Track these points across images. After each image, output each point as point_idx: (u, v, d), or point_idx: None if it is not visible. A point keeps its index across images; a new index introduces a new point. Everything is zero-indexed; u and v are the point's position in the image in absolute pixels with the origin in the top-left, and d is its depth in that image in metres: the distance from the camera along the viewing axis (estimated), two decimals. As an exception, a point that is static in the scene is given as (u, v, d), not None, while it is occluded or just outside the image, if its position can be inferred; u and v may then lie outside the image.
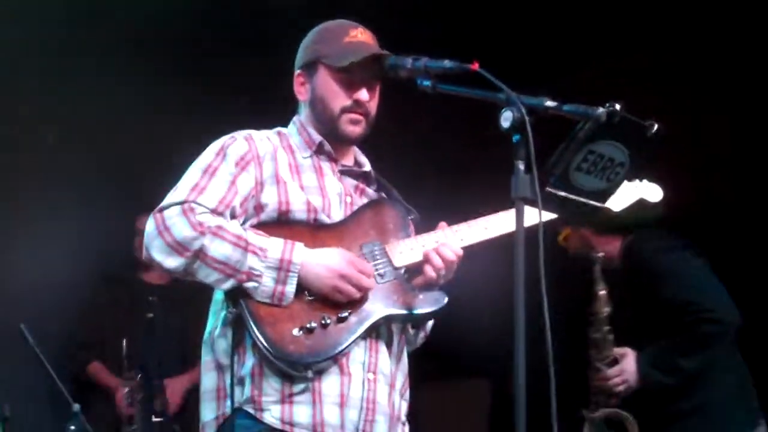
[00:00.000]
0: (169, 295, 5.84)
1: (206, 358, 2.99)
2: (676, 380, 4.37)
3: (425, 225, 3.17)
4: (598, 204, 2.72)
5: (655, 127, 2.64)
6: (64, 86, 5.70)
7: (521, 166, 2.54)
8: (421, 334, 3.18)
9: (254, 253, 2.79)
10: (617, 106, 2.55)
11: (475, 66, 2.69)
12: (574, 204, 2.64)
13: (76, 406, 4.57)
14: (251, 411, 2.85)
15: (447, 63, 2.80)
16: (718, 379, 4.44)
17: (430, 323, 3.18)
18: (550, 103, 2.60)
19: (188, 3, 5.61)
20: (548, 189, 2.61)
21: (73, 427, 4.62)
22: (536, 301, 2.39)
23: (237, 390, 2.87)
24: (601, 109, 2.53)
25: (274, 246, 2.81)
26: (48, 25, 5.36)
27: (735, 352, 4.49)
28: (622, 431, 4.60)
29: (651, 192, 3.65)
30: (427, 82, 2.83)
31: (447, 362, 6.82)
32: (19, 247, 5.88)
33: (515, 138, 2.54)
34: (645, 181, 3.61)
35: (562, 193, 2.63)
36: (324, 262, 2.85)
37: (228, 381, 2.89)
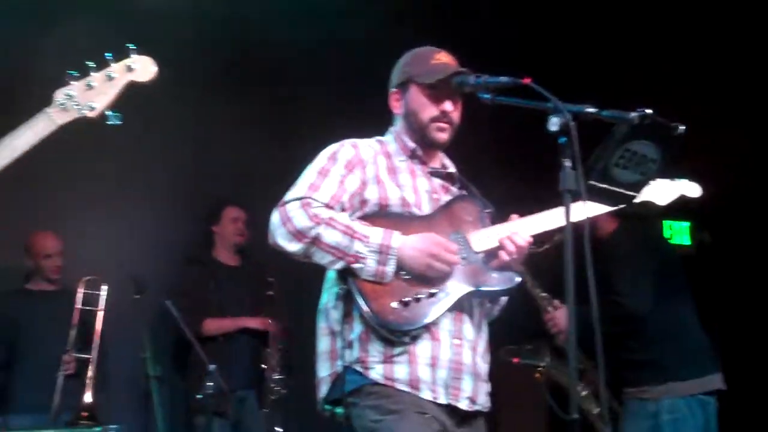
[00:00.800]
0: (241, 273, 5.91)
1: (321, 325, 3.10)
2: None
3: (498, 218, 3.26)
4: (633, 194, 2.63)
5: (680, 127, 2.58)
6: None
7: (567, 164, 2.59)
8: (497, 308, 3.30)
9: (360, 239, 2.90)
10: (647, 111, 2.61)
11: (527, 80, 2.77)
12: (618, 196, 2.57)
13: (212, 366, 4.60)
14: (359, 369, 2.95)
15: (503, 79, 2.90)
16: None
17: (505, 298, 3.28)
18: (590, 110, 2.67)
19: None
20: (591, 182, 2.55)
21: (210, 383, 4.65)
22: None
23: (347, 352, 2.97)
24: (633, 113, 2.57)
25: (376, 234, 2.93)
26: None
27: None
28: None
29: (691, 189, 3.57)
30: (487, 96, 2.92)
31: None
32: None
33: (562, 140, 2.60)
34: (686, 180, 3.47)
35: (603, 185, 2.56)
36: (417, 245, 2.94)
37: (340, 344, 3.00)
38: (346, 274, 2.95)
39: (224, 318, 5.66)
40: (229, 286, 5.76)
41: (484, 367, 3.12)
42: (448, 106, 3.10)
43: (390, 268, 2.90)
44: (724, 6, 5.68)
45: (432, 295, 2.95)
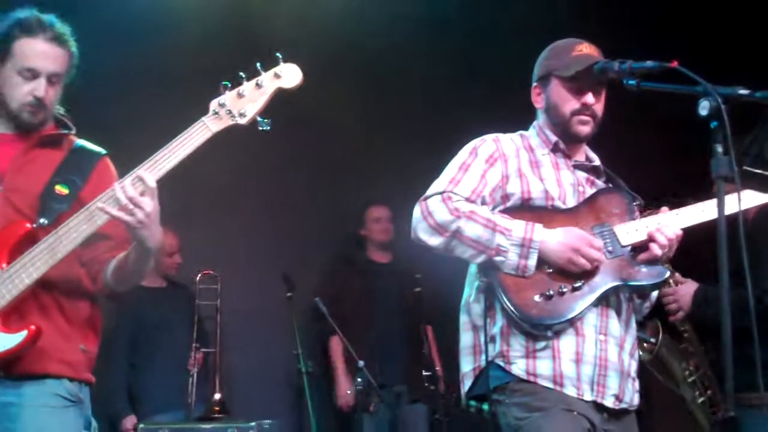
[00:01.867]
0: (392, 270, 5.92)
1: (463, 319, 3.09)
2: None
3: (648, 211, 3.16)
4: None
5: (839, 109, 2.40)
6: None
7: (719, 149, 2.44)
8: (647, 304, 3.19)
9: (501, 233, 2.87)
10: None
11: (675, 64, 2.64)
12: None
13: (361, 363, 4.64)
14: (501, 364, 2.93)
15: (649, 63, 2.76)
16: None
17: (655, 294, 3.19)
18: (742, 92, 2.52)
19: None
20: (745, 168, 2.41)
21: (359, 379, 4.71)
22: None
23: (490, 346, 2.95)
24: None
25: (518, 227, 2.89)
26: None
27: None
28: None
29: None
30: (632, 82, 2.77)
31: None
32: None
33: (713, 124, 2.46)
34: None
35: (759, 171, 2.42)
36: (560, 239, 2.89)
37: (482, 339, 2.98)
38: (488, 268, 2.92)
39: (340, 356, 5.56)
40: (378, 283, 5.79)
41: (632, 364, 3.03)
42: (589, 98, 3.02)
43: (532, 262, 2.86)
44: None
45: (576, 288, 2.88)
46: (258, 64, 2.77)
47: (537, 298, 2.86)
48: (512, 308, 2.85)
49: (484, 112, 5.28)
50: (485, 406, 2.97)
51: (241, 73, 2.77)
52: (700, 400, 4.15)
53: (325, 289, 5.63)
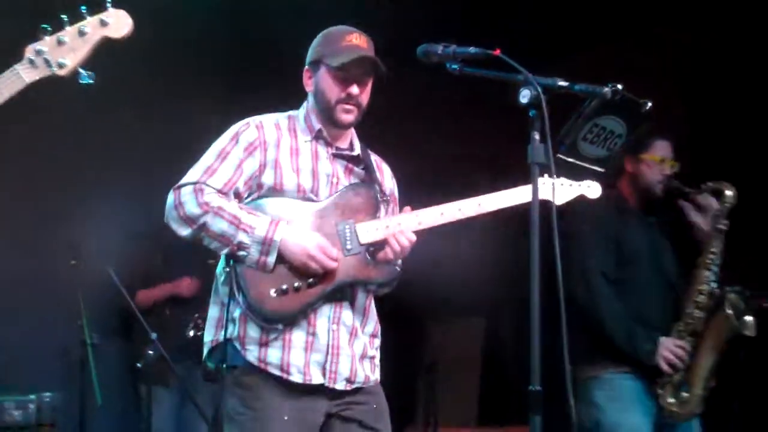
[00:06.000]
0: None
1: (213, 294, 3.21)
2: None
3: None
4: (599, 168, 2.65)
5: (648, 104, 2.59)
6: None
7: (537, 137, 2.54)
8: (382, 290, 3.32)
9: (244, 230, 2.99)
10: (619, 86, 2.60)
11: (497, 52, 2.70)
12: (585, 170, 2.58)
13: (153, 335, 4.53)
14: (237, 346, 3.07)
15: (472, 49, 2.81)
16: None
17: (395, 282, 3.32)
18: (562, 83, 2.62)
19: None
20: (559, 155, 2.54)
21: (150, 352, 4.58)
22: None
23: (230, 326, 3.08)
24: (606, 88, 2.54)
25: (261, 225, 3.00)
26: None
27: None
28: None
29: (592, 190, 3.31)
30: (455, 66, 2.81)
31: (450, 303, 6.74)
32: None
33: (531, 113, 2.55)
34: (587, 180, 3.43)
35: (570, 159, 2.56)
36: (299, 242, 3.01)
37: (226, 316, 3.08)
38: (232, 259, 3.03)
39: (154, 288, 5.53)
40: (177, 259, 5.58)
41: (367, 347, 3.21)
42: (354, 89, 3.11)
43: (271, 259, 2.99)
44: None
45: (310, 285, 3.03)
46: (82, 8, 2.52)
47: (272, 293, 3.00)
48: (248, 301, 3.00)
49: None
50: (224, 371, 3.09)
51: (64, 16, 2.51)
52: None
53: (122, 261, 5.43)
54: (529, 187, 2.58)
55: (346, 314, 3.14)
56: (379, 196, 3.22)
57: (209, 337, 3.16)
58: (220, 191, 3.03)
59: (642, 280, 4.16)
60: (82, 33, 2.54)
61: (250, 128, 3.14)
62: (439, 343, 7.57)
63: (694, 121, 4.30)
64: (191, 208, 2.99)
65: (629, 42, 5.96)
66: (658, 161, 4.13)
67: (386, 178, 3.38)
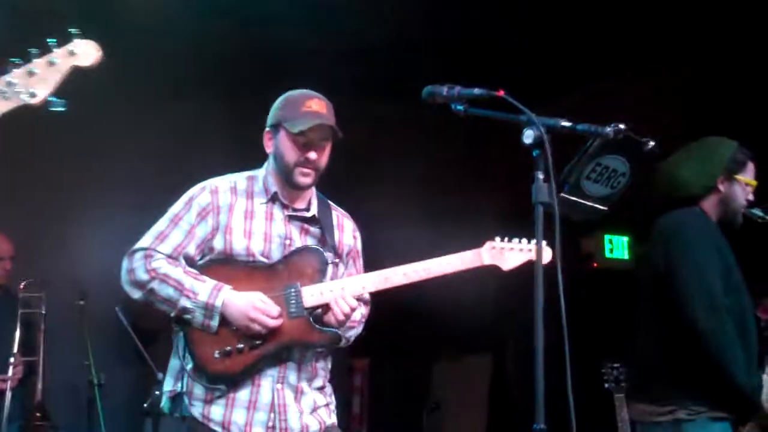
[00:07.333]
0: None
1: (174, 345, 3.24)
2: None
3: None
4: (602, 207, 2.67)
5: (651, 143, 2.61)
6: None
7: (540, 176, 2.55)
8: (341, 343, 3.31)
9: (187, 296, 3.08)
10: (621, 126, 2.60)
11: (501, 93, 2.70)
12: (587, 209, 2.60)
13: (161, 375, 4.55)
14: (186, 400, 3.15)
15: (476, 90, 2.80)
16: None
17: (352, 333, 3.36)
18: (565, 123, 2.63)
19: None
20: (563, 195, 2.56)
21: (158, 392, 4.59)
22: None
23: (183, 380, 3.16)
24: (608, 128, 2.55)
25: (204, 290, 3.08)
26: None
27: None
28: None
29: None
30: (460, 107, 2.81)
31: (458, 341, 6.74)
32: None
33: (535, 153, 2.56)
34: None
35: (574, 198, 2.59)
36: (240, 306, 3.08)
37: (180, 369, 3.17)
38: (181, 319, 3.12)
39: None
40: None
41: (316, 401, 3.25)
42: (312, 155, 3.16)
43: (214, 323, 3.07)
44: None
45: (253, 347, 3.10)
46: (51, 41, 2.55)
47: (216, 354, 3.08)
48: (194, 362, 3.10)
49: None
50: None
51: (32, 50, 2.53)
52: None
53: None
54: (477, 252, 2.70)
55: (291, 374, 3.19)
56: (328, 258, 3.25)
57: (168, 387, 3.23)
58: (169, 256, 3.13)
59: (746, 311, 3.67)
60: (51, 63, 2.57)
61: (204, 193, 3.21)
62: (444, 379, 7.58)
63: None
64: (140, 274, 3.11)
65: (628, 76, 5.99)
66: (753, 185, 3.81)
67: (346, 235, 3.39)
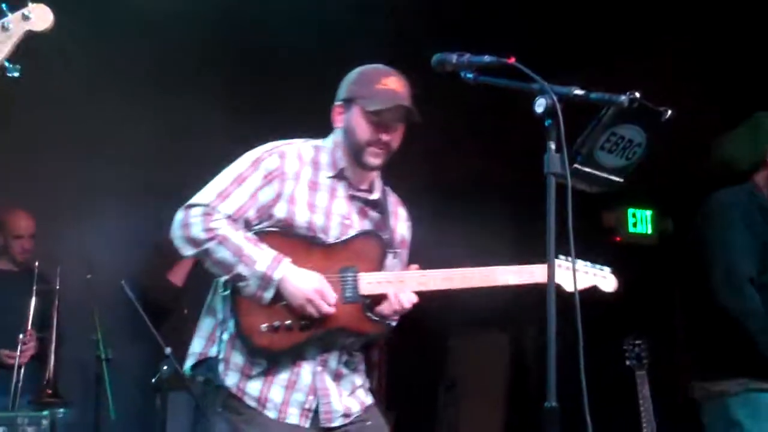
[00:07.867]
0: None
1: (209, 303, 3.15)
2: None
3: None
4: (617, 179, 2.58)
5: (668, 112, 2.50)
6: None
7: (552, 146, 2.45)
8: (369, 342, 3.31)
9: (245, 263, 2.93)
10: (636, 94, 2.49)
11: (512, 60, 2.61)
12: (602, 180, 2.51)
13: (168, 350, 4.47)
14: (221, 368, 3.03)
15: (487, 58, 2.71)
16: None
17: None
18: (578, 92, 2.52)
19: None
20: (575, 166, 2.47)
21: (165, 367, 4.53)
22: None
23: (218, 345, 3.05)
24: (623, 97, 2.48)
25: (264, 259, 2.94)
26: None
27: None
28: None
29: (607, 283, 3.33)
30: (470, 75, 2.72)
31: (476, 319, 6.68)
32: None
33: (547, 122, 2.47)
34: (608, 270, 3.36)
35: (587, 169, 2.50)
36: (298, 284, 2.96)
37: (217, 333, 3.07)
38: (230, 285, 3.00)
39: (179, 264, 5.51)
40: None
41: (354, 382, 3.19)
42: (385, 136, 3.06)
43: (268, 295, 2.95)
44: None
45: (303, 327, 2.99)
46: (3, 5, 2.53)
47: (264, 327, 2.96)
48: (238, 330, 2.98)
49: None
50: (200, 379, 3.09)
51: None
52: None
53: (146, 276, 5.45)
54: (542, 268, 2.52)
55: (332, 358, 3.10)
56: (388, 246, 3.15)
57: (197, 348, 3.10)
58: (230, 217, 2.98)
59: None
60: (5, 28, 2.54)
61: (272, 156, 3.07)
62: (461, 357, 7.52)
63: (732, 124, 4.15)
64: (197, 231, 2.95)
65: (642, 51, 5.88)
66: None
67: (400, 223, 3.30)
